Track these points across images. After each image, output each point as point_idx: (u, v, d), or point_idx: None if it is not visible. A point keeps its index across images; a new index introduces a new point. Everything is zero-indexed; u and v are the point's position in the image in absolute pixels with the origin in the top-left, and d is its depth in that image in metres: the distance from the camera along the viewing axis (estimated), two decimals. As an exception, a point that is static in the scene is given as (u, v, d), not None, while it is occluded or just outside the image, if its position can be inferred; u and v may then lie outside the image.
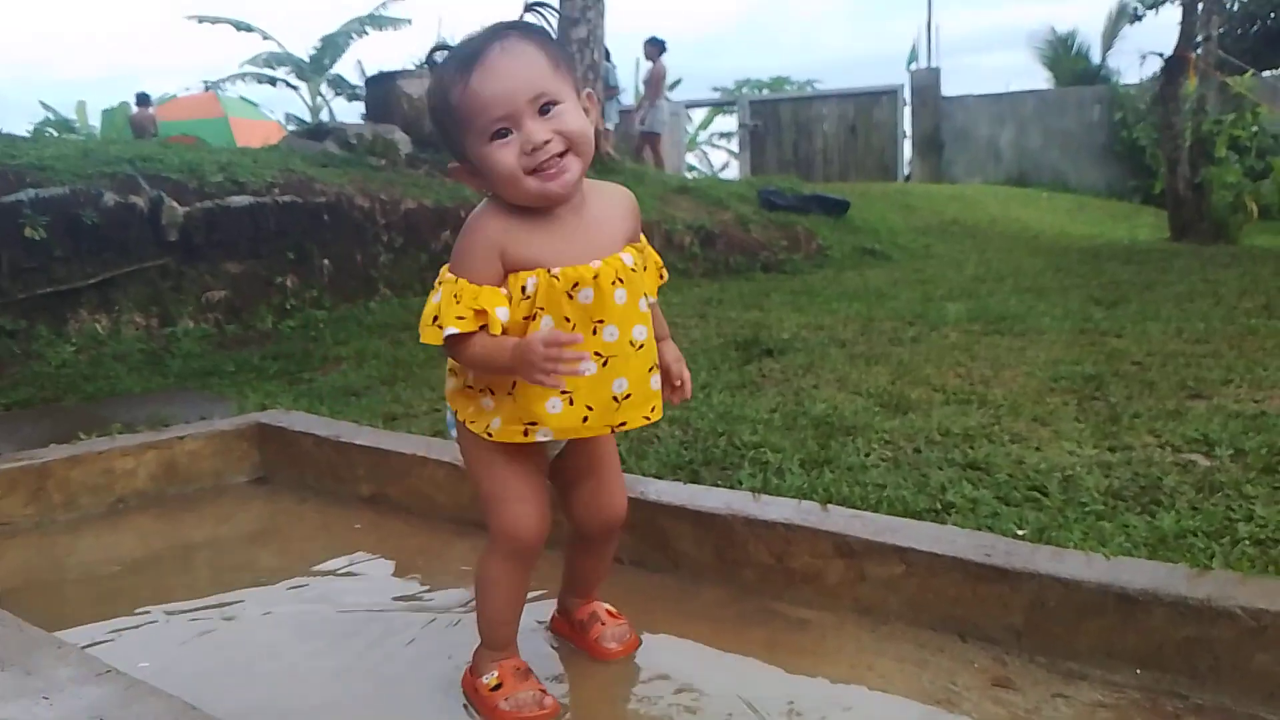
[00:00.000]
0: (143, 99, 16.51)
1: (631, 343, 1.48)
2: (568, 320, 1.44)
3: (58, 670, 1.39)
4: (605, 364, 1.47)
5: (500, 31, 1.43)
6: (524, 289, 1.42)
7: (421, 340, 1.45)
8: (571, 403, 1.46)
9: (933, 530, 1.80)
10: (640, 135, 11.82)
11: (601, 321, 1.45)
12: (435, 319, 1.42)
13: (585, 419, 1.48)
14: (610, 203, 1.55)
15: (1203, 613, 1.48)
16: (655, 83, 11.77)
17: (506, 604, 1.59)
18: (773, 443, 2.53)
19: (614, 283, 1.46)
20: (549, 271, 1.43)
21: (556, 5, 1.55)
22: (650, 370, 1.52)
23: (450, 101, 1.41)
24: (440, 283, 1.45)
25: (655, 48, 11.69)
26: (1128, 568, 1.62)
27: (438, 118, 1.46)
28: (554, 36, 1.51)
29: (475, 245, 1.45)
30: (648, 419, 1.53)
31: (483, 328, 1.41)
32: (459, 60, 1.41)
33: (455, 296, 1.41)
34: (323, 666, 1.74)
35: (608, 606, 1.75)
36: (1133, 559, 1.68)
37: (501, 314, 1.41)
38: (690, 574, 1.99)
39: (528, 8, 1.50)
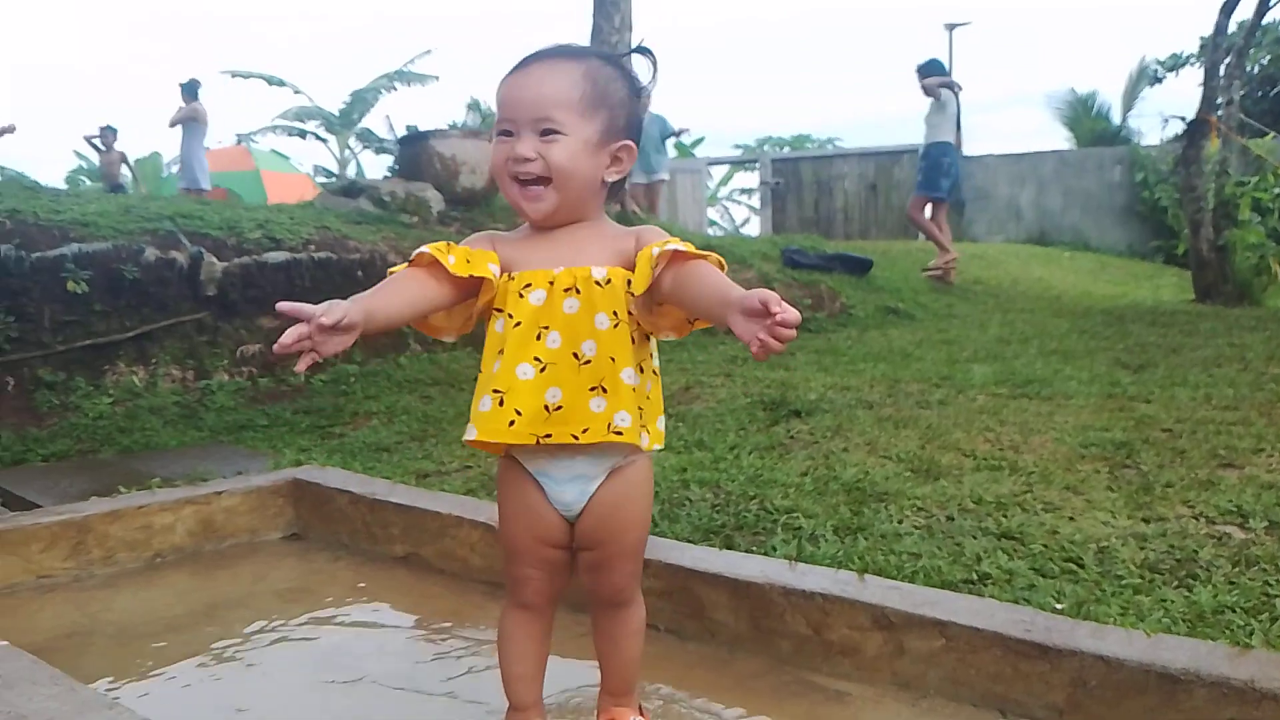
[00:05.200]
0: (107, 134, 13.95)
1: (576, 355, 1.44)
2: (511, 318, 1.45)
3: (110, 732, 1.42)
4: (543, 370, 1.44)
5: (570, 51, 1.49)
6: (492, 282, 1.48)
7: None
8: (502, 404, 1.45)
9: (972, 604, 1.80)
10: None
11: (546, 327, 1.45)
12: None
13: (512, 422, 1.44)
14: (612, 231, 1.54)
15: (1246, 694, 1.48)
16: None
17: (517, 658, 1.57)
18: (805, 508, 2.54)
19: (567, 290, 1.44)
20: (509, 274, 1.47)
21: (655, 58, 1.54)
22: (593, 390, 1.44)
23: (499, 85, 1.50)
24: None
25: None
26: (1169, 646, 1.61)
27: None
28: (637, 80, 1.52)
29: (475, 238, 1.55)
30: (576, 438, 1.44)
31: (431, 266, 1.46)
32: (525, 57, 1.49)
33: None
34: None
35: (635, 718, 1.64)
36: (1173, 636, 1.67)
37: (451, 260, 1.45)
38: (726, 643, 1.99)
39: (637, 48, 1.54)
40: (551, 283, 1.45)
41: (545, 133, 1.43)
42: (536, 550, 1.53)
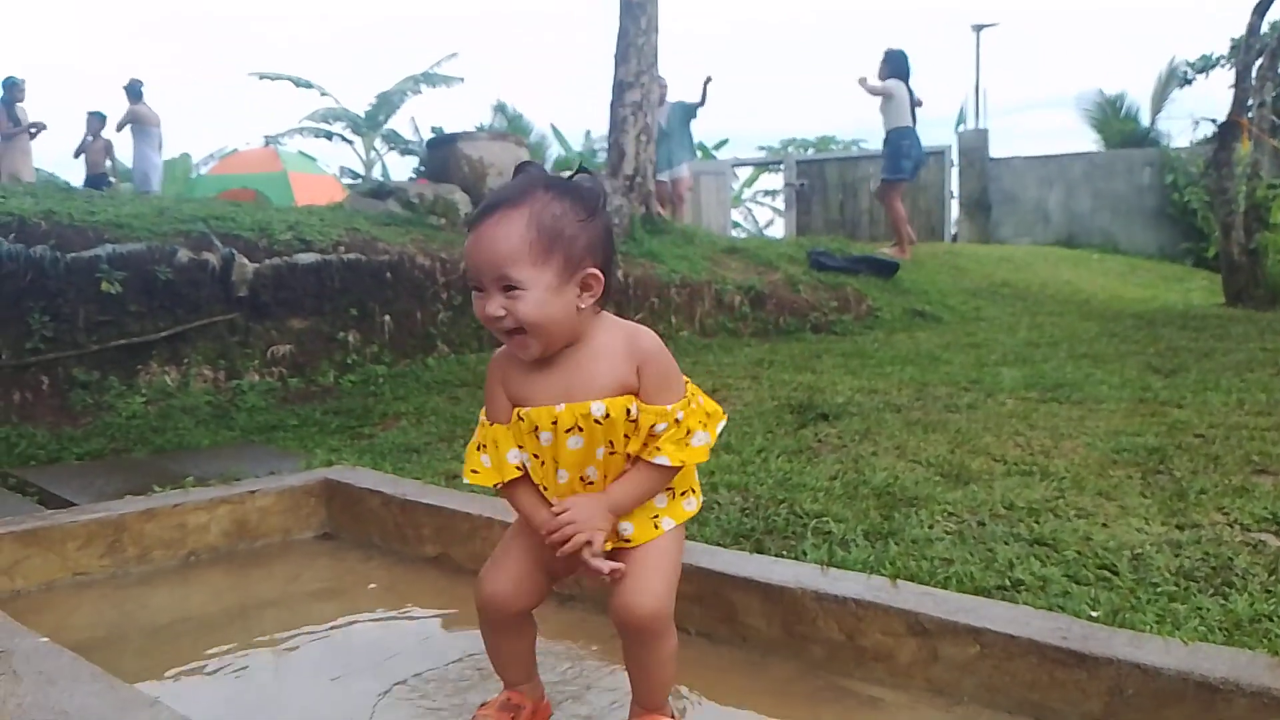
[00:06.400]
0: (94, 120, 12.66)
1: (583, 478, 1.57)
2: (536, 457, 1.57)
3: (152, 730, 1.43)
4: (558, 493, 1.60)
5: (514, 197, 1.51)
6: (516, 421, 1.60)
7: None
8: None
9: (1007, 611, 1.79)
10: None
11: (556, 462, 1.56)
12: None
13: None
14: (609, 346, 1.57)
15: (1288, 705, 1.46)
16: None
17: (492, 652, 1.71)
18: (835, 512, 2.53)
19: (569, 430, 1.53)
20: (518, 413, 1.57)
21: (599, 177, 1.61)
22: None
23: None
24: (479, 424, 1.65)
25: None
26: (1207, 655, 1.60)
27: None
28: (590, 200, 1.53)
29: (489, 384, 1.64)
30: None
31: (516, 481, 1.61)
32: (478, 211, 1.54)
33: (479, 444, 1.62)
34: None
35: None
36: (1211, 645, 1.66)
37: (513, 457, 1.60)
38: (759, 648, 1.99)
39: (577, 170, 1.58)
40: (555, 422, 1.54)
41: (507, 289, 1.49)
42: (523, 554, 1.65)
